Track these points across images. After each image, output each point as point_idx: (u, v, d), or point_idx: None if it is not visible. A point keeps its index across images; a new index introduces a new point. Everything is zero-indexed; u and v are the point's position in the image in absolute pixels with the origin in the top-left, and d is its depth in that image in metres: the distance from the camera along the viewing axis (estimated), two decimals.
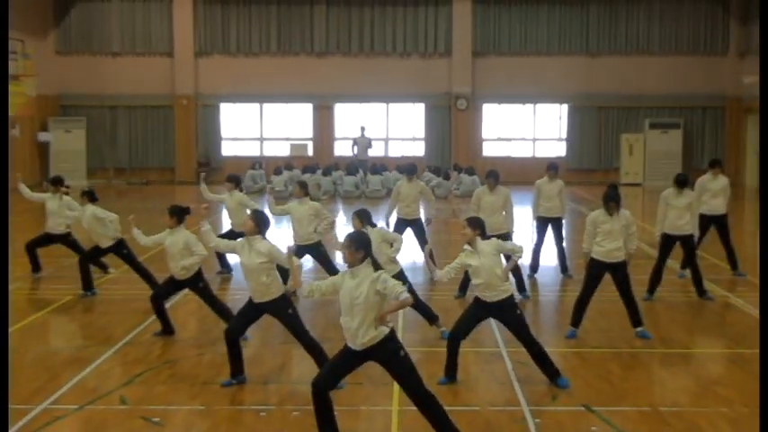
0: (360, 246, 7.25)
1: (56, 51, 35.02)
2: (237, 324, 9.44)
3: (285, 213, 13.77)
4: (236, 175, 15.72)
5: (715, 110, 34.98)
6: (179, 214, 10.98)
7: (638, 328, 11.25)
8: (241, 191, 15.37)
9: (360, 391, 8.96)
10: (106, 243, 13.65)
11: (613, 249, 11.02)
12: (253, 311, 9.35)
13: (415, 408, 7.62)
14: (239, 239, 9.51)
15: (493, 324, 10.87)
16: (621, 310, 11.86)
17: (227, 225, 16.25)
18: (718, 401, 8.83)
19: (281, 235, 16.92)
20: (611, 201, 11.04)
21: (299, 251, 12.57)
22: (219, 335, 11.28)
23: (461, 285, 13.55)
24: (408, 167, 15.77)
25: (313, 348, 9.18)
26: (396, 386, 8.96)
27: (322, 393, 7.38)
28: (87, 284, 13.77)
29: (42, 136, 33.55)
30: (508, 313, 9.27)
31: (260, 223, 9.21)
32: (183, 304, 12.83)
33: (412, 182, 15.27)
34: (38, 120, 33.61)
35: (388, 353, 7.30)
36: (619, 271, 11.15)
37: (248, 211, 14.70)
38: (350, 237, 7.35)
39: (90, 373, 9.72)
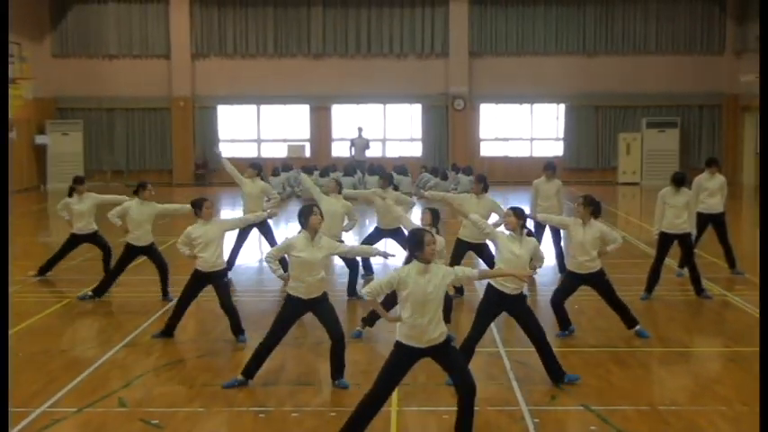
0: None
1: (52, 54, 35.00)
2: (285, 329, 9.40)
3: (317, 196, 13.58)
4: (258, 162, 15.86)
5: (712, 108, 35.01)
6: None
7: (636, 328, 11.25)
8: (263, 179, 15.45)
9: (359, 393, 8.94)
10: None
11: (585, 261, 10.93)
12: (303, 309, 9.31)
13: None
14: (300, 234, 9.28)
15: (492, 324, 10.87)
16: None
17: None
18: (717, 400, 8.84)
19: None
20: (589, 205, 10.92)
21: None
22: (219, 337, 11.32)
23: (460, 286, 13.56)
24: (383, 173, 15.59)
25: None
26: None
27: (381, 403, 7.48)
28: (101, 290, 13.73)
29: (39, 139, 33.53)
30: (522, 307, 9.28)
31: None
32: None
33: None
34: (35, 123, 33.58)
35: (447, 344, 7.47)
36: (596, 282, 11.10)
37: (268, 200, 14.90)
38: (431, 234, 7.40)
39: (89, 376, 9.72)
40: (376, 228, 14.36)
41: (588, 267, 10.93)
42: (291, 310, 9.27)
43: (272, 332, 9.32)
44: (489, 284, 9.25)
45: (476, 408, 8.51)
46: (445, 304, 10.87)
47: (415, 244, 7.30)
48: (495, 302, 9.28)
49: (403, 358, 7.42)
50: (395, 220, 13.30)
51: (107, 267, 14.44)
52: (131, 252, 13.56)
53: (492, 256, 13.28)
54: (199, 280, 11.11)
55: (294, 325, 9.55)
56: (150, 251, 13.59)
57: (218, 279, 11.09)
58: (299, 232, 9.20)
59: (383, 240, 14.16)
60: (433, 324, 7.29)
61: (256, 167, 15.45)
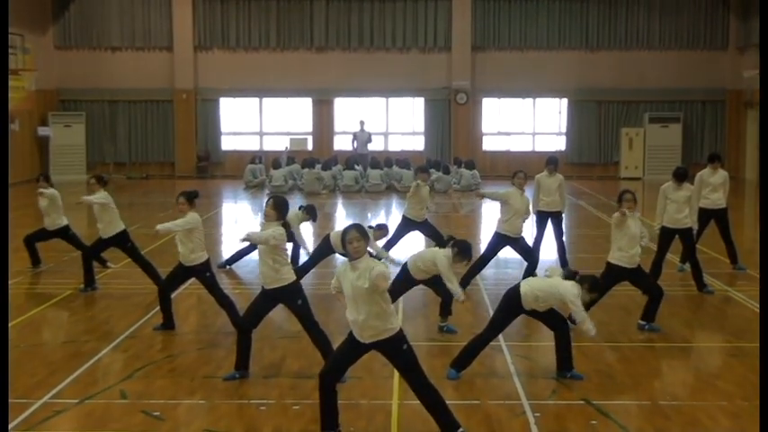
0: (364, 236, 7.33)
1: (55, 46, 34.96)
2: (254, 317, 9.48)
3: None
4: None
5: (715, 104, 34.96)
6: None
7: (652, 324, 11.29)
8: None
9: (360, 386, 8.97)
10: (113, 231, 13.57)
11: (634, 254, 11.09)
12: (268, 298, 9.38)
13: (415, 402, 7.64)
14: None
15: (488, 317, 10.88)
16: (621, 303, 11.92)
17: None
18: (718, 395, 8.85)
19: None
20: None
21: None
22: (220, 329, 11.34)
23: (464, 280, 13.55)
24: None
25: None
26: (396, 380, 8.99)
27: (330, 385, 7.50)
28: (89, 280, 13.75)
29: (42, 131, 33.51)
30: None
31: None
32: (183, 298, 12.83)
33: None
34: (37, 114, 33.57)
35: (397, 344, 7.42)
36: (638, 274, 11.28)
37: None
38: (357, 228, 7.34)
39: (90, 368, 9.74)
40: (404, 218, 15.28)
41: (635, 262, 11.09)
42: (259, 297, 9.40)
43: (243, 318, 9.58)
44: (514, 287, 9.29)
45: (476, 401, 8.55)
46: (444, 297, 10.95)
47: (343, 241, 7.41)
48: (513, 306, 9.26)
49: (352, 346, 7.52)
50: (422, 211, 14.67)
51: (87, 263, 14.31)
52: (102, 243, 13.75)
53: (527, 249, 13.51)
54: (180, 270, 11.12)
55: (284, 313, 9.67)
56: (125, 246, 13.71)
57: (199, 273, 11.05)
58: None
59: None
60: (371, 321, 7.28)
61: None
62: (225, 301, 11.08)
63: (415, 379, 7.45)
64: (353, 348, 7.52)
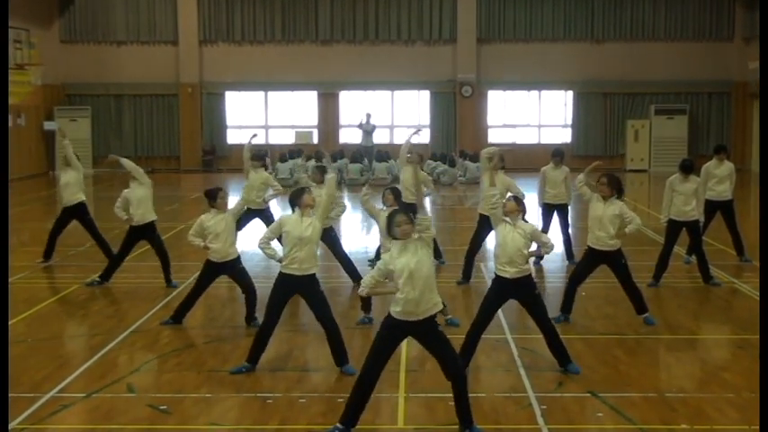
0: (412, 220, 7.50)
1: (61, 40, 35.00)
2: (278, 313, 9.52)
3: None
4: (261, 153, 16.01)
5: (721, 95, 34.89)
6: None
7: (645, 315, 11.24)
8: (266, 169, 15.57)
9: None
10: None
11: (602, 236, 10.97)
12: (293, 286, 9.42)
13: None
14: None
15: (499, 310, 10.87)
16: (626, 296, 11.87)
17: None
18: (725, 387, 8.84)
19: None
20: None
21: None
22: (226, 323, 11.36)
23: (465, 272, 13.59)
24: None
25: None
26: (402, 374, 9.02)
27: (373, 383, 7.61)
28: (107, 275, 13.80)
29: (48, 125, 33.55)
30: (528, 292, 9.25)
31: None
32: (187, 292, 12.84)
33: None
34: (43, 109, 33.62)
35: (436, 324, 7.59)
36: (613, 261, 11.13)
37: (270, 191, 15.00)
38: (405, 212, 7.55)
39: (97, 362, 9.76)
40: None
41: (606, 244, 10.96)
42: (283, 288, 9.38)
43: (267, 313, 9.47)
44: (495, 273, 9.27)
45: (482, 394, 8.55)
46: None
47: (389, 224, 7.50)
48: (497, 291, 9.31)
49: (394, 333, 7.57)
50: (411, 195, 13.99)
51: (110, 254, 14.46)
52: (134, 233, 13.60)
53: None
54: (212, 270, 11.09)
55: (287, 307, 9.64)
56: (153, 236, 13.62)
57: (233, 268, 11.08)
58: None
59: None
60: (428, 295, 7.42)
61: (259, 158, 15.52)
62: (254, 289, 11.13)
63: (449, 351, 7.56)
64: (393, 337, 7.59)
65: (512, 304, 9.68)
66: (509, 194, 11.03)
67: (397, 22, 34.78)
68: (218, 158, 35.13)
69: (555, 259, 15.22)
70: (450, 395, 7.57)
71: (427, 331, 7.51)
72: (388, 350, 7.62)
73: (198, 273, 11.35)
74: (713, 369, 9.59)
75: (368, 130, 32.96)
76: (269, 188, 15.10)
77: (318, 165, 14.45)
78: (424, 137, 35.37)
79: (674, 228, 13.55)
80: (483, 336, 9.36)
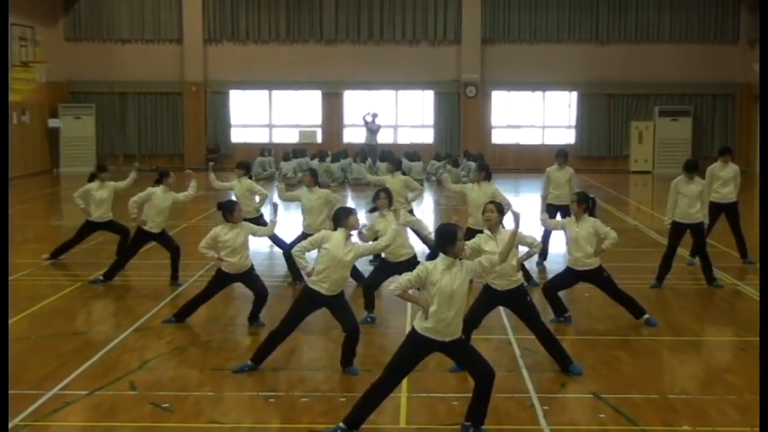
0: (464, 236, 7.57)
1: (65, 38, 35.02)
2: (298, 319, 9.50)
3: (294, 200, 13.72)
4: (246, 162, 15.80)
5: (725, 97, 34.86)
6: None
7: (645, 317, 11.23)
8: (250, 178, 15.38)
9: (370, 379, 8.94)
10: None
11: (580, 257, 10.91)
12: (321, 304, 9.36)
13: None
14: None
15: (502, 311, 10.89)
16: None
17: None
18: (727, 389, 8.84)
19: (290, 223, 16.92)
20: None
21: None
22: (229, 321, 11.37)
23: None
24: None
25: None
26: None
27: (388, 393, 7.56)
28: (112, 274, 13.80)
29: (52, 122, 33.59)
30: (519, 301, 9.29)
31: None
32: (191, 291, 12.85)
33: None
34: (47, 106, 33.65)
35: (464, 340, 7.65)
36: (595, 279, 11.12)
37: (257, 198, 14.84)
38: (462, 230, 7.59)
39: (100, 359, 9.76)
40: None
41: (585, 264, 10.90)
42: (309, 302, 9.30)
43: (286, 321, 9.37)
44: (485, 282, 9.31)
45: None
46: (367, 293, 11.13)
47: (447, 238, 7.30)
48: (492, 295, 9.34)
49: (419, 350, 7.45)
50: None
51: (121, 250, 14.51)
52: (146, 237, 13.65)
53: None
54: (225, 280, 11.11)
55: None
56: (163, 237, 13.69)
57: (247, 277, 11.10)
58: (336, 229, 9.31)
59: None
60: (459, 317, 7.35)
61: (243, 166, 15.34)
62: (266, 293, 11.15)
63: (478, 359, 7.53)
64: (417, 353, 7.48)
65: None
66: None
67: (402, 23, 34.78)
68: (221, 157, 35.10)
69: (558, 260, 15.20)
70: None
71: (455, 349, 7.49)
72: (410, 365, 7.55)
73: (209, 279, 11.37)
74: (715, 371, 9.59)
75: (373, 129, 32.99)
76: (254, 195, 14.88)
77: (310, 168, 14.43)
78: (428, 137, 35.38)
79: (677, 230, 13.53)
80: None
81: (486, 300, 9.39)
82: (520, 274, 9.31)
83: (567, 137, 35.42)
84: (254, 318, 11.10)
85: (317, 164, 29.22)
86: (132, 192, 14.17)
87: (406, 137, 35.70)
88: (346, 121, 35.68)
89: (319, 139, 35.34)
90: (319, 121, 35.80)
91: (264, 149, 32.08)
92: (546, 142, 34.93)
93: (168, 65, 35.03)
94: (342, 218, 9.25)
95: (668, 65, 34.34)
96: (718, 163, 15.16)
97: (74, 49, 34.94)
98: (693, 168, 13.38)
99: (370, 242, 9.81)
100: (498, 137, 35.58)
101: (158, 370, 9.43)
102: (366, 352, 9.78)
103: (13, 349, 9.57)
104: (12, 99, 28.83)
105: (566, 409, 8.28)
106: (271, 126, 35.92)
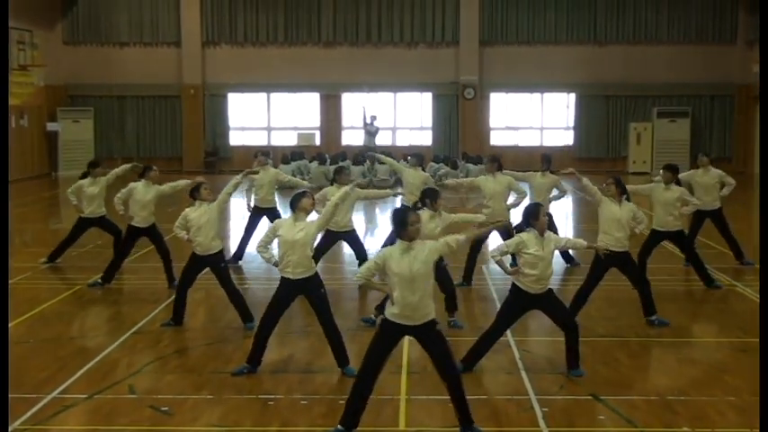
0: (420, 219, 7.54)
1: (64, 42, 35.05)
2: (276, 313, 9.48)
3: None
4: (268, 150, 15.94)
5: (723, 98, 34.89)
6: None
7: (653, 317, 11.22)
8: (274, 166, 15.49)
9: None
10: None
11: (621, 237, 10.98)
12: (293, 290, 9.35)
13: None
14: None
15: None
16: (629, 298, 11.88)
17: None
18: (726, 390, 8.84)
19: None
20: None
21: (335, 237, 13.12)
22: (228, 324, 11.36)
23: (466, 274, 13.51)
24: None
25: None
26: (404, 375, 9.02)
27: (371, 385, 7.57)
28: (110, 275, 13.82)
29: (51, 126, 33.60)
30: (548, 300, 9.17)
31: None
32: (191, 293, 12.83)
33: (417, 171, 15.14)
34: (46, 109, 33.66)
35: (434, 327, 7.55)
36: (626, 261, 11.12)
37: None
38: (416, 212, 7.61)
39: (99, 363, 9.76)
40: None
41: (624, 245, 10.93)
42: (283, 289, 9.34)
43: (266, 315, 9.45)
44: (515, 284, 9.12)
45: (484, 397, 8.55)
46: (448, 292, 10.94)
47: (399, 223, 7.41)
48: (521, 304, 9.19)
49: (391, 335, 7.54)
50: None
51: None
52: (134, 234, 13.66)
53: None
54: (196, 263, 11.17)
55: (288, 309, 9.60)
56: (152, 232, 13.69)
57: (215, 262, 11.13)
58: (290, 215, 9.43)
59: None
60: (426, 300, 7.38)
61: (266, 154, 15.54)
62: (234, 291, 11.19)
63: (449, 364, 7.52)
64: (389, 338, 7.55)
65: None
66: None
67: (400, 25, 34.81)
68: (220, 160, 35.14)
69: (556, 261, 15.19)
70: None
71: (426, 332, 7.51)
72: (384, 352, 7.59)
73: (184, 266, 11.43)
74: (715, 372, 9.58)
75: (371, 131, 32.98)
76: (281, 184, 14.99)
77: (339, 166, 14.44)
78: (427, 139, 35.38)
79: (656, 237, 13.20)
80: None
81: (519, 306, 9.21)
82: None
83: (566, 138, 35.44)
84: (245, 320, 11.09)
85: (316, 166, 29.22)
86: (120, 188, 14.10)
87: (405, 139, 35.71)
88: (345, 123, 35.69)
89: (318, 142, 35.35)
90: (318, 124, 35.81)
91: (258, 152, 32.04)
92: (544, 144, 34.94)
93: (166, 68, 35.05)
94: (295, 201, 9.31)
95: (666, 66, 34.38)
96: (699, 170, 14.92)
97: (72, 53, 34.96)
98: (673, 172, 13.03)
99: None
100: (497, 139, 35.60)
101: (157, 373, 9.43)
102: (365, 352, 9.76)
103: (12, 353, 9.56)
104: (10, 103, 28.82)
105: (565, 411, 8.27)
106: (269, 129, 35.94)
